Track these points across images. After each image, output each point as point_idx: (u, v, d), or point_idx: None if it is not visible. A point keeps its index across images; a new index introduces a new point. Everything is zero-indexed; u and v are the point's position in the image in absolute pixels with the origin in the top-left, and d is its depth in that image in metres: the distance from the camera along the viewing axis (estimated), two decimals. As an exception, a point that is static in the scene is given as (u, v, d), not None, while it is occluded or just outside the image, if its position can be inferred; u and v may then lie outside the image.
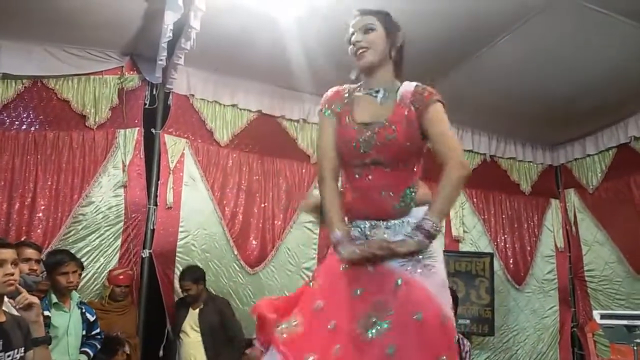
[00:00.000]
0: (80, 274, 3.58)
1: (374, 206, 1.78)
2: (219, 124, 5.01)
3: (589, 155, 6.04)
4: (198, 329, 4.07)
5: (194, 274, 4.19)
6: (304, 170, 5.24)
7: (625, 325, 3.67)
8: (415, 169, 1.82)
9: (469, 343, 3.54)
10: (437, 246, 1.75)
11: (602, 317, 4.00)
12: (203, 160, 4.86)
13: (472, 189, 5.98)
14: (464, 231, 5.80)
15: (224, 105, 5.03)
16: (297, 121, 5.30)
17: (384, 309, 1.63)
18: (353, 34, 1.88)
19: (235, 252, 4.80)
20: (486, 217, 5.99)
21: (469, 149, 6.04)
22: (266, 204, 5.03)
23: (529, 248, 6.12)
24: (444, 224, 5.23)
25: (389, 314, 1.61)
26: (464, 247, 5.73)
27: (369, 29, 1.86)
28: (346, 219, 1.84)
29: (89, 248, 4.26)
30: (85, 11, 3.93)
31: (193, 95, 4.90)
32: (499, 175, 6.22)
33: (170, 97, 4.77)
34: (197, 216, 4.71)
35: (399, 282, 1.65)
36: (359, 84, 1.94)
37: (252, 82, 5.09)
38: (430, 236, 1.65)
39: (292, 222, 5.04)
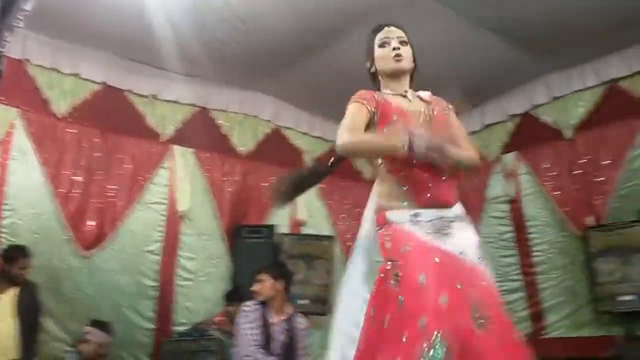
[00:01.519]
0: None
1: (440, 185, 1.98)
2: (56, 94, 4.89)
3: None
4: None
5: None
6: (152, 149, 5.30)
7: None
8: None
9: (306, 322, 3.94)
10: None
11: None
12: (36, 133, 4.72)
13: (320, 175, 6.44)
14: (309, 215, 6.26)
15: (64, 73, 4.89)
16: (147, 97, 5.34)
17: (481, 304, 1.74)
18: (387, 40, 2.16)
19: (69, 234, 4.73)
20: (330, 202, 6.55)
21: (319, 135, 6.53)
22: (108, 184, 5.00)
23: (367, 232, 6.75)
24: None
25: (486, 309, 1.74)
26: (306, 230, 6.23)
27: (404, 42, 2.17)
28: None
29: None
30: None
31: (28, 61, 4.70)
32: (346, 163, 6.78)
33: (1, 60, 4.51)
34: (25, 193, 4.59)
35: (484, 283, 1.84)
36: (382, 90, 2.19)
37: (98, 51, 5.03)
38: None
39: (137, 203, 5.08)
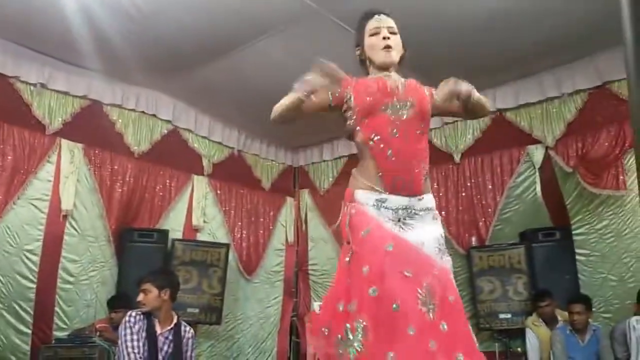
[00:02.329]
0: None
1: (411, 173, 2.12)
2: None
3: (324, 161, 7.15)
4: None
5: None
6: (36, 141, 5.06)
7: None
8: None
9: (191, 330, 3.92)
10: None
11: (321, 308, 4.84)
12: None
13: (217, 181, 6.52)
14: (204, 221, 6.28)
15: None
16: (35, 85, 5.10)
17: (431, 291, 1.89)
18: (377, 30, 2.23)
19: None
20: (227, 209, 6.61)
21: (219, 141, 6.58)
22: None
23: (262, 241, 6.91)
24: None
25: (434, 295, 1.89)
26: (201, 237, 6.23)
27: (393, 32, 2.25)
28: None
29: None
30: None
31: None
32: (244, 169, 6.91)
33: None
34: None
35: (436, 272, 1.96)
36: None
37: (-18, 33, 4.71)
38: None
39: (17, 198, 4.82)
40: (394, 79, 2.23)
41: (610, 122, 5.24)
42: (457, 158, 6.18)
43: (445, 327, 1.87)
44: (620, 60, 5.27)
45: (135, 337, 3.57)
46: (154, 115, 6.02)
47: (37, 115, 5.12)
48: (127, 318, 3.66)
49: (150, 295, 3.72)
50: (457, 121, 6.19)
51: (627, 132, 5.07)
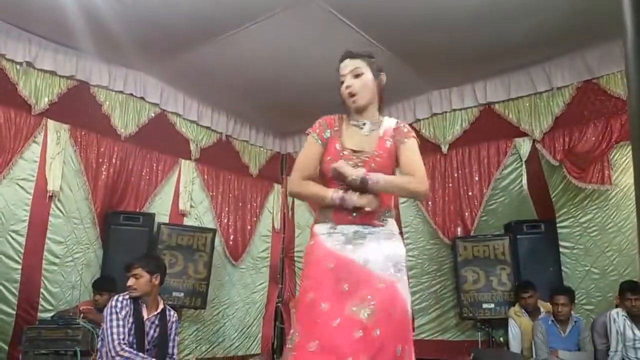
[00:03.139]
0: None
1: (359, 218, 2.23)
2: None
3: (312, 148, 7.08)
4: None
5: None
6: (22, 121, 5.00)
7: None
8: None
9: (175, 314, 3.92)
10: (404, 257, 2.27)
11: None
12: None
13: (204, 166, 6.48)
14: (191, 206, 6.27)
15: None
16: (21, 64, 5.02)
17: (367, 300, 2.08)
18: (342, 77, 2.30)
19: None
20: (214, 194, 6.59)
21: (207, 125, 6.55)
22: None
23: (249, 227, 6.91)
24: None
25: (371, 303, 2.07)
26: (188, 222, 6.20)
27: (358, 74, 2.28)
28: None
29: None
30: None
31: None
32: (231, 155, 6.88)
33: None
34: None
35: (381, 285, 2.12)
36: (348, 114, 2.38)
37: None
38: (365, 182, 2.14)
39: (2, 178, 4.79)
40: (364, 133, 2.31)
41: (598, 116, 5.30)
42: (444, 149, 6.20)
43: (378, 332, 2.03)
44: (608, 56, 5.33)
45: (121, 322, 3.51)
46: (142, 98, 5.96)
47: (23, 95, 5.04)
48: (113, 303, 3.59)
49: (142, 280, 3.69)
50: (445, 112, 6.22)
51: (614, 127, 5.13)
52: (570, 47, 5.31)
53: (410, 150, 2.28)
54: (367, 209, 2.14)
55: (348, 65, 2.31)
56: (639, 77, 0.89)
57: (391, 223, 2.32)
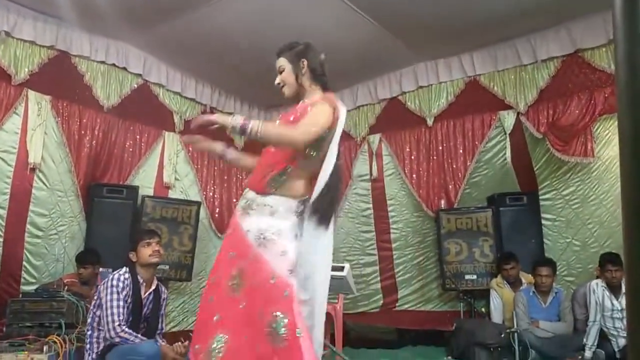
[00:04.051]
0: None
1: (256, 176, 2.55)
2: None
3: (297, 121, 7.03)
4: None
5: None
6: (1, 92, 4.92)
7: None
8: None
9: (166, 291, 3.91)
10: (286, 227, 2.38)
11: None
12: None
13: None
14: (176, 179, 6.22)
15: None
16: (-1, 33, 4.85)
17: (242, 272, 2.34)
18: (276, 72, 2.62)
19: None
20: (199, 166, 6.54)
21: (192, 97, 6.46)
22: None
23: (234, 200, 6.86)
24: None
25: (243, 277, 2.33)
26: (173, 194, 6.17)
27: (281, 71, 2.61)
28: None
29: None
30: None
31: None
32: (217, 129, 6.74)
33: None
34: None
35: (251, 255, 2.34)
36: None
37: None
38: (244, 128, 2.36)
39: (-18, 150, 4.68)
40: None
41: (582, 89, 5.30)
42: (429, 122, 6.19)
43: (244, 305, 2.29)
44: (593, 29, 5.31)
45: (121, 303, 3.45)
46: (124, 69, 5.84)
47: (2, 65, 4.92)
48: (114, 282, 3.49)
49: (161, 249, 3.74)
50: (431, 84, 6.19)
51: (597, 100, 5.14)
52: (555, 19, 5.29)
53: (312, 111, 2.44)
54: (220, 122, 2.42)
55: (276, 64, 2.64)
56: (627, 46, 0.88)
57: (280, 199, 2.44)
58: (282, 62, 2.61)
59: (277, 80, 2.62)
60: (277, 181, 2.42)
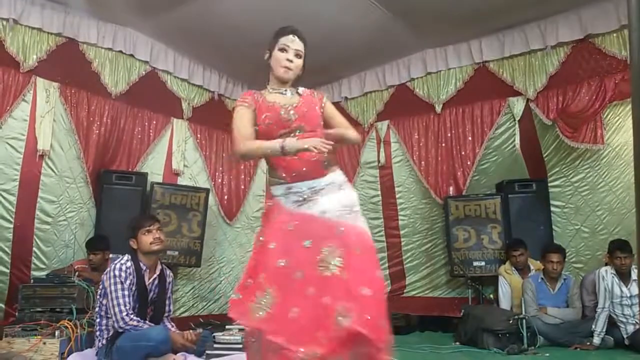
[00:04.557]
0: None
1: (308, 173, 2.39)
2: None
3: (304, 108, 7.02)
4: None
5: None
6: (10, 79, 4.91)
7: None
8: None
9: (171, 273, 3.93)
10: (357, 200, 2.44)
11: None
12: None
13: (197, 125, 6.44)
14: (185, 165, 6.23)
15: None
16: (7, 20, 4.89)
17: (332, 250, 2.23)
18: (286, 48, 2.49)
19: None
20: (207, 153, 6.56)
21: (199, 84, 6.47)
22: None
23: (243, 187, 6.90)
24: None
25: (337, 252, 2.22)
26: (182, 181, 6.19)
27: (299, 55, 2.52)
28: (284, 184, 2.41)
29: None
30: None
31: None
32: (224, 114, 6.79)
33: None
34: None
35: (342, 229, 2.28)
36: (266, 88, 2.57)
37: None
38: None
39: (-8, 137, 4.71)
40: (288, 97, 2.52)
41: (592, 76, 5.25)
42: (438, 109, 6.16)
43: (346, 275, 2.18)
44: (604, 14, 5.25)
45: (126, 292, 3.47)
46: (132, 56, 5.84)
47: (11, 52, 4.92)
48: (116, 272, 3.50)
49: (162, 235, 3.73)
50: (440, 71, 6.15)
51: (607, 86, 5.09)
52: (565, 4, 5.23)
53: (334, 110, 2.60)
54: (305, 146, 2.23)
55: (295, 43, 2.52)
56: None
57: (337, 172, 2.48)
58: (302, 48, 2.54)
59: (291, 58, 2.49)
60: (328, 160, 2.43)
